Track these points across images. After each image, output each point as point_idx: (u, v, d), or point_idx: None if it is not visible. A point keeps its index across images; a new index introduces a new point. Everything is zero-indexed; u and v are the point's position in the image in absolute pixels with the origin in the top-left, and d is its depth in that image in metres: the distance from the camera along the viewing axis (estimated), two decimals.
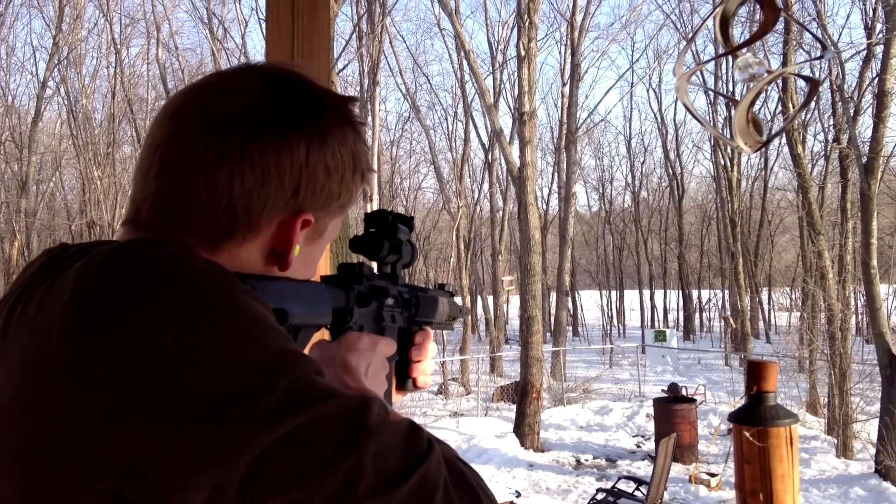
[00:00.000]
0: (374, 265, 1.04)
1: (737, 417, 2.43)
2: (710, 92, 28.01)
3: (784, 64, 9.48)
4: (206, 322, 0.60)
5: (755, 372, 2.39)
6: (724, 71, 24.85)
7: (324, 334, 0.93)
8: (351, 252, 1.05)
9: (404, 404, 16.92)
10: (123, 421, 0.57)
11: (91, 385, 0.58)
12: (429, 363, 1.12)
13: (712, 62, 22.46)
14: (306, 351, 0.85)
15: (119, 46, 24.85)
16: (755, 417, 2.35)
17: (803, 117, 20.10)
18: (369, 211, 1.01)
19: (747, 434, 2.32)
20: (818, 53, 13.74)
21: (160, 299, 0.60)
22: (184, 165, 0.73)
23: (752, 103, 2.15)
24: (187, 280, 0.63)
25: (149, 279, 0.62)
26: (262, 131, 0.74)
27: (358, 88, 23.12)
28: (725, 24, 2.17)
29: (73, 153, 24.69)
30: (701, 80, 24.61)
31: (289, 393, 0.59)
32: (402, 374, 1.09)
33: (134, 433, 0.57)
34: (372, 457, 0.59)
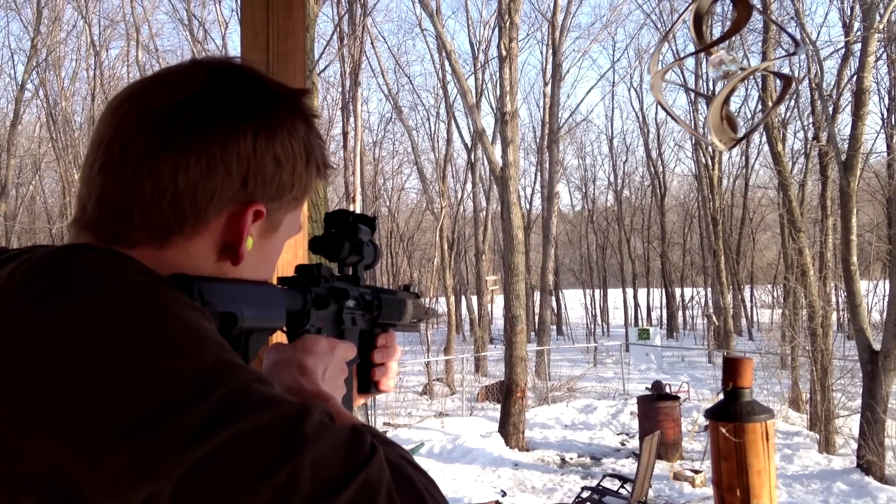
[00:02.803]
0: (335, 266, 1.02)
1: (713, 414, 2.45)
2: (685, 90, 28.19)
3: (768, 67, 9.53)
4: (133, 333, 0.58)
5: (731, 368, 2.40)
6: (704, 69, 24.98)
7: (281, 338, 0.91)
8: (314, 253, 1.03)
9: (389, 406, 16.91)
10: (46, 436, 0.55)
11: (12, 398, 0.56)
12: (392, 366, 1.10)
13: (686, 60, 22.57)
14: (260, 353, 0.84)
15: (98, 48, 24.67)
16: (731, 413, 2.36)
17: (783, 115, 20.25)
18: (333, 210, 1.00)
19: (724, 430, 2.33)
20: (801, 53, 13.84)
21: (84, 310, 0.58)
22: (126, 159, 0.72)
23: (727, 101, 2.16)
24: (114, 289, 0.60)
25: (73, 289, 0.60)
26: (206, 121, 0.73)
27: (339, 89, 23.08)
28: (699, 21, 2.18)
29: (53, 156, 24.50)
30: (681, 78, 24.74)
31: (220, 405, 0.57)
32: (365, 378, 1.08)
33: (57, 449, 0.55)
34: (309, 466, 0.58)
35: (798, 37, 13.57)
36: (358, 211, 18.98)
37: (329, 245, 0.98)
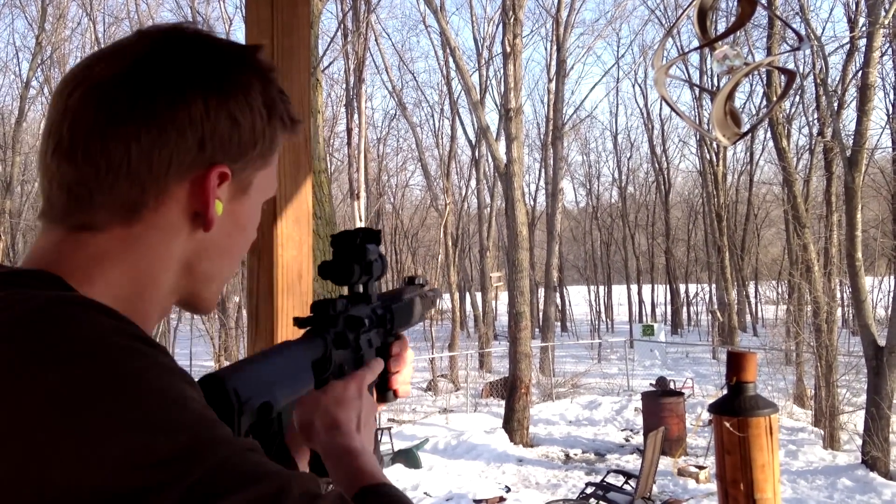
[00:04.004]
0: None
1: (717, 408, 2.44)
2: (690, 84, 28.11)
3: (772, 62, 9.50)
4: (103, 410, 0.54)
5: (735, 363, 2.40)
6: (708, 65, 24.91)
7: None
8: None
9: (393, 402, 16.89)
10: None
11: None
12: (407, 371, 1.10)
13: (690, 55, 22.53)
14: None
15: (103, 46, 24.69)
16: (735, 408, 2.35)
17: (788, 111, 20.20)
18: (338, 232, 0.97)
19: (727, 424, 2.33)
20: (805, 48, 13.80)
21: (53, 384, 0.54)
22: (76, 139, 0.70)
23: (730, 95, 2.16)
24: (85, 360, 0.56)
25: (42, 359, 0.56)
26: (151, 89, 0.70)
27: (343, 86, 23.08)
28: (703, 16, 2.18)
29: None
30: (686, 73, 24.70)
31: (194, 488, 0.53)
32: (383, 388, 1.08)
33: None
34: None
35: (803, 32, 13.53)
36: (362, 217, 18.91)
37: (339, 271, 0.96)
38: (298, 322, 0.88)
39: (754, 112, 24.64)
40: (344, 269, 0.95)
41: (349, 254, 0.96)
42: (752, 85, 25.56)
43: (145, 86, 0.70)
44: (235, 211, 0.78)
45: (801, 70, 17.70)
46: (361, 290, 1.00)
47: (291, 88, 1.80)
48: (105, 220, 0.71)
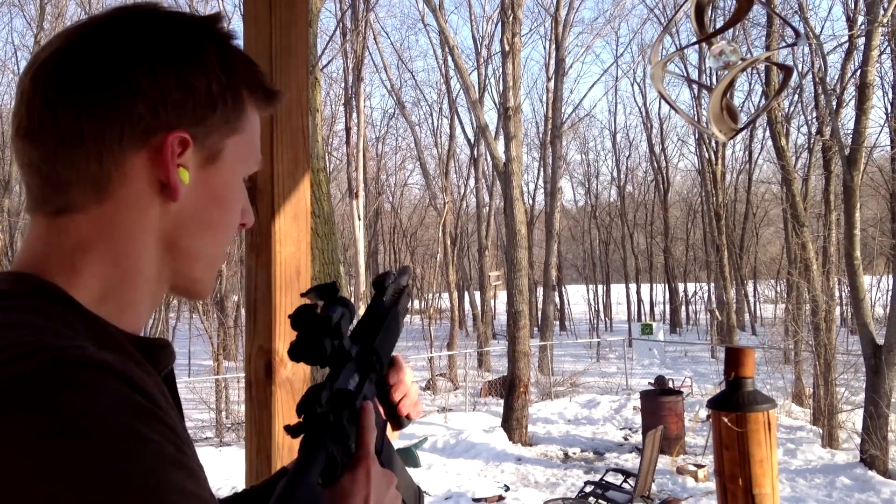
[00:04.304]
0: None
1: (715, 403, 2.44)
2: (687, 81, 28.12)
3: (769, 58, 9.51)
4: (77, 493, 0.52)
5: (733, 358, 2.40)
6: (707, 63, 24.91)
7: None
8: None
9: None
10: None
11: None
12: (413, 392, 1.06)
13: (689, 53, 22.54)
14: None
15: None
16: (733, 403, 2.35)
17: (786, 110, 20.21)
18: (295, 310, 0.88)
19: (726, 420, 2.33)
20: (802, 44, 13.81)
21: (34, 455, 0.52)
22: (32, 118, 0.71)
23: (727, 91, 2.16)
24: (79, 436, 0.54)
25: (33, 427, 0.53)
26: (95, 61, 0.71)
27: (342, 85, 23.07)
28: (701, 12, 2.18)
29: None
30: (684, 70, 24.69)
31: None
32: (395, 418, 1.05)
33: None
34: None
35: (801, 30, 13.54)
36: (361, 216, 18.83)
37: (310, 353, 0.87)
38: (291, 431, 0.83)
39: (753, 110, 24.65)
40: (315, 350, 0.87)
41: (314, 331, 0.87)
42: (751, 83, 25.60)
43: (91, 57, 0.71)
44: (208, 181, 0.77)
45: (799, 69, 17.73)
46: (337, 346, 0.92)
47: (290, 86, 1.80)
48: (79, 200, 0.71)
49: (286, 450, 1.68)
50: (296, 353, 0.87)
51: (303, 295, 0.90)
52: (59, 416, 0.54)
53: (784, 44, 14.27)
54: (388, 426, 1.05)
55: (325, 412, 0.82)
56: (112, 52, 0.72)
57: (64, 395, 0.55)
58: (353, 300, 1.10)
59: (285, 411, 1.71)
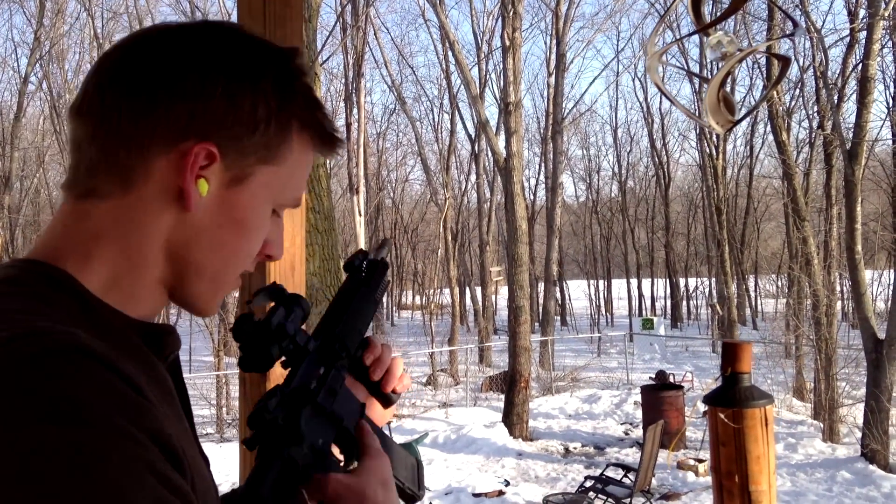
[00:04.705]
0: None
1: (712, 399, 2.43)
2: (687, 73, 28.04)
3: (767, 48, 9.47)
4: (69, 489, 0.52)
5: (730, 353, 2.38)
6: (708, 56, 24.84)
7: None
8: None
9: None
10: None
11: None
12: (395, 366, 1.04)
13: (688, 46, 22.48)
14: None
15: (102, 41, 24.62)
16: (730, 399, 2.33)
17: (788, 104, 20.16)
18: (235, 321, 0.85)
19: (722, 416, 2.31)
20: (803, 36, 13.77)
21: (22, 448, 0.52)
22: (84, 98, 0.74)
23: (724, 82, 2.14)
24: (48, 408, 0.54)
25: (20, 415, 0.53)
26: (153, 57, 0.74)
27: (343, 80, 23.05)
28: (698, 3, 2.16)
29: (57, 149, 24.53)
30: (684, 63, 24.64)
31: None
32: (381, 396, 1.04)
33: None
34: None
35: (802, 23, 13.51)
36: (361, 212, 18.81)
37: (257, 362, 0.85)
38: (247, 444, 0.80)
39: (753, 104, 24.60)
40: (261, 358, 0.84)
41: (256, 340, 0.84)
42: (751, 77, 25.55)
43: (153, 53, 0.74)
44: (230, 201, 0.75)
45: (801, 63, 17.69)
46: (293, 347, 0.88)
47: None
48: (104, 187, 0.72)
49: None
50: (245, 365, 0.85)
51: (248, 302, 0.87)
52: (38, 401, 0.54)
53: (783, 34, 14.22)
54: (378, 407, 1.04)
55: (275, 418, 0.80)
56: (173, 52, 0.73)
57: (47, 381, 0.55)
58: None
59: None
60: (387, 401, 1.05)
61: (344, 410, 0.90)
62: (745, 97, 25.22)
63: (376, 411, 1.04)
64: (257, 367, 0.85)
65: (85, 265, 0.70)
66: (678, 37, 19.62)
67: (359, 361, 1.01)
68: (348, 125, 20.62)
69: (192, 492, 0.62)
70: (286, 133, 0.77)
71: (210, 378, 17.09)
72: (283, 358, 0.87)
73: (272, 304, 0.87)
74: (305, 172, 0.83)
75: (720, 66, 2.14)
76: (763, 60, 16.48)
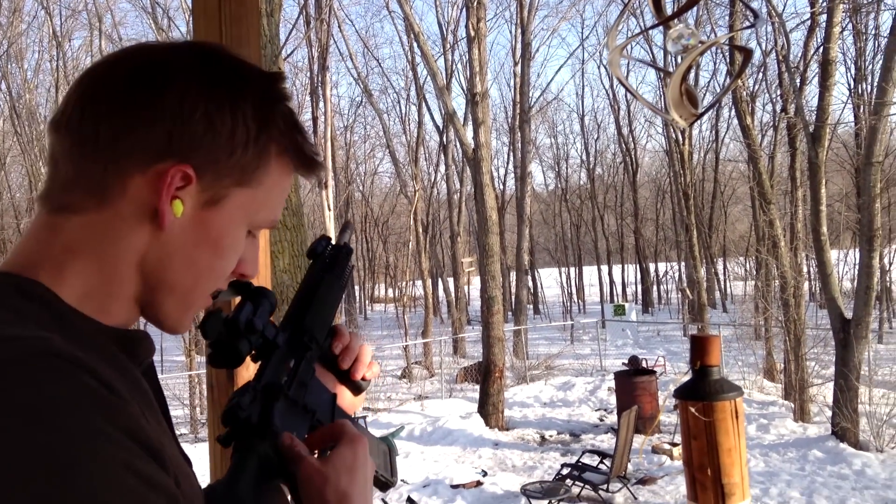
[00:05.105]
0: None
1: (682, 393, 2.43)
2: (652, 66, 28.22)
3: (729, 40, 9.53)
4: (46, 492, 0.52)
5: (698, 347, 2.39)
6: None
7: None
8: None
9: (368, 390, 16.85)
10: None
11: None
12: (363, 353, 1.05)
13: (653, 36, 22.56)
14: None
15: (61, 39, 24.24)
16: (700, 392, 2.34)
17: (751, 89, 20.35)
18: (202, 318, 0.84)
19: (693, 410, 2.31)
20: (765, 25, 13.87)
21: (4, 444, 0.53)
22: (63, 113, 0.74)
23: (686, 75, 2.14)
24: (23, 412, 0.54)
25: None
26: (134, 77, 0.74)
27: (308, 74, 22.88)
28: None
29: (18, 150, 24.10)
30: (650, 54, 24.78)
31: None
32: (351, 383, 1.04)
33: None
34: None
35: (763, 9, 13.63)
36: (330, 206, 18.76)
37: (227, 358, 0.85)
38: (221, 441, 0.81)
39: (719, 90, 24.80)
40: (230, 354, 0.84)
41: (226, 336, 0.84)
42: (715, 63, 25.75)
43: (136, 70, 0.74)
44: (205, 221, 0.76)
45: (763, 47, 17.84)
46: (262, 342, 0.88)
47: None
48: (79, 202, 0.72)
49: None
50: (215, 361, 0.85)
51: (213, 297, 0.85)
52: (12, 408, 0.54)
53: (746, 24, 14.32)
54: (348, 394, 1.05)
55: (248, 416, 0.80)
56: (155, 73, 0.74)
57: (21, 387, 0.55)
58: None
59: None
60: (356, 388, 1.06)
61: (316, 402, 0.91)
62: (709, 83, 25.42)
63: (346, 399, 1.04)
64: (227, 363, 0.85)
65: (58, 277, 0.70)
66: (643, 25, 19.72)
67: (327, 351, 1.01)
68: (315, 119, 20.47)
69: (176, 488, 0.62)
70: (264, 157, 0.78)
71: (182, 378, 16.93)
72: (253, 352, 0.87)
73: (238, 298, 0.87)
74: (283, 195, 0.84)
75: (682, 59, 2.13)
76: (727, 47, 16.60)
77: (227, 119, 0.74)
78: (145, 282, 0.75)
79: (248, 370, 1.88)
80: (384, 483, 1.03)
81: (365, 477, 0.84)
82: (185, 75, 0.73)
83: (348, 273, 1.07)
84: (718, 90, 24.58)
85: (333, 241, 1.07)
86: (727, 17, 16.24)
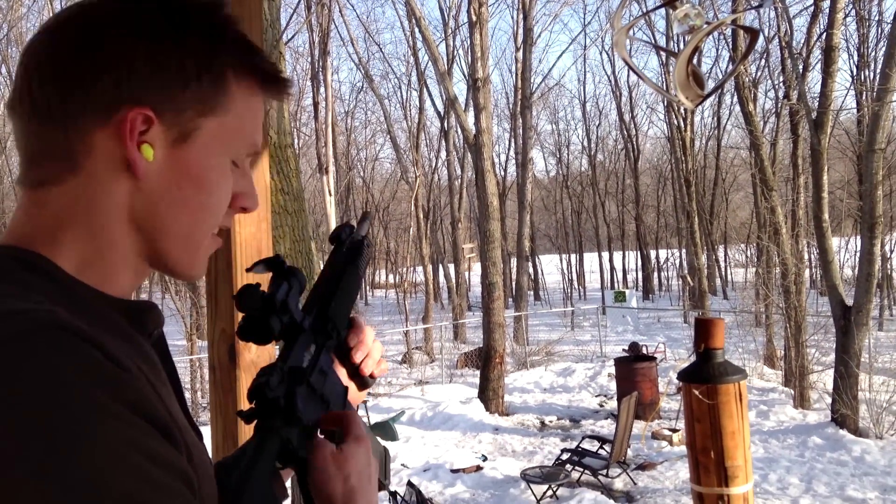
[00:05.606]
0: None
1: (686, 376, 2.42)
2: (655, 47, 28.11)
3: (734, 21, 9.47)
4: (48, 469, 0.52)
5: (702, 330, 2.37)
6: (672, 27, 24.88)
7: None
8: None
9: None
10: None
11: None
12: (374, 350, 1.05)
13: (655, 19, 22.49)
14: None
15: None
16: (704, 375, 2.32)
17: (754, 75, 20.28)
18: (239, 289, 0.84)
19: (696, 392, 2.30)
20: (768, 6, 13.81)
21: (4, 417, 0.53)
22: (15, 93, 0.73)
23: (692, 56, 2.12)
24: (29, 386, 0.54)
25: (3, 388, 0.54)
26: (71, 37, 0.73)
27: (309, 59, 22.80)
28: None
29: None
30: (651, 37, 24.67)
31: None
32: (359, 378, 1.05)
33: None
34: None
35: None
36: (331, 191, 18.75)
37: (259, 332, 0.85)
38: (244, 417, 0.81)
39: (721, 75, 24.71)
40: (262, 329, 0.85)
41: (259, 311, 0.85)
42: (718, 48, 25.64)
43: (70, 30, 0.73)
44: (181, 159, 0.74)
45: (766, 33, 17.75)
46: (289, 321, 0.89)
47: None
48: (53, 173, 0.71)
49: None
50: (244, 334, 0.85)
51: (248, 270, 0.87)
52: (17, 384, 0.54)
53: (749, 6, 14.26)
54: (353, 388, 1.05)
55: (276, 397, 0.81)
56: (91, 26, 0.73)
57: (26, 362, 0.55)
58: None
59: None
60: (363, 384, 1.06)
61: (331, 393, 0.92)
62: (711, 69, 25.33)
63: (352, 392, 1.05)
64: (256, 339, 0.85)
65: (55, 248, 0.70)
66: (645, 9, 19.62)
67: (343, 342, 1.02)
68: (315, 104, 20.40)
69: (187, 463, 0.62)
70: (221, 82, 0.76)
71: (184, 362, 16.97)
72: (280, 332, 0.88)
73: (272, 274, 0.87)
74: (257, 118, 0.82)
75: (688, 39, 2.12)
76: (729, 32, 16.53)
77: (171, 53, 0.73)
78: (142, 235, 0.74)
79: (250, 352, 1.88)
80: (379, 485, 1.04)
81: (369, 476, 0.86)
82: (121, 21, 0.73)
83: (365, 266, 1.08)
84: (720, 76, 24.48)
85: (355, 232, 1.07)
86: (731, 2, 16.15)
